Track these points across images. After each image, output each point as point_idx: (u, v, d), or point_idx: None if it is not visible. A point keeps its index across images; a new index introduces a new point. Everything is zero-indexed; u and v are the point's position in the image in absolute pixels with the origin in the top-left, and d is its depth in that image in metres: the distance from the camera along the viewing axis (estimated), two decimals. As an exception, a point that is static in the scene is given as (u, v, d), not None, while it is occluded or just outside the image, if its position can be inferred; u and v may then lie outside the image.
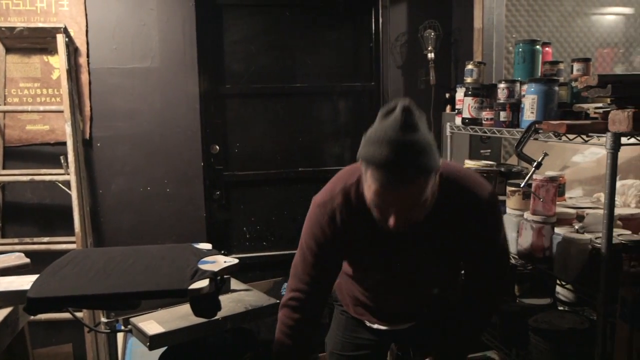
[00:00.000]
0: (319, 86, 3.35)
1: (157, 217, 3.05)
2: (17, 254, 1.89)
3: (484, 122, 2.24)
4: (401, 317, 1.75)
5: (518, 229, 1.97)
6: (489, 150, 2.75)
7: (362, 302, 1.75)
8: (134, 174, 3.01)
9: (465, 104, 2.34)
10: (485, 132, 2.23)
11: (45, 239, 2.80)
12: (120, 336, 2.92)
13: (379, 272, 1.61)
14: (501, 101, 2.13)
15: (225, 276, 2.21)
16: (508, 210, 2.04)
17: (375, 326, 1.77)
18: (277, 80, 3.29)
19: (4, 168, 2.83)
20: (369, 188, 1.28)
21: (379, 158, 1.21)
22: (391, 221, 1.29)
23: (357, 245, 1.53)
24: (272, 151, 3.33)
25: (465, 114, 2.34)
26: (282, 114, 3.33)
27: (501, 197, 2.19)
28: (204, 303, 1.57)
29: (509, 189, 2.03)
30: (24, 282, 1.55)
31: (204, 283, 1.43)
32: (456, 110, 2.48)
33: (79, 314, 2.70)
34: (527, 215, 1.89)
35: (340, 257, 1.62)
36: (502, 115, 2.10)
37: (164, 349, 2.19)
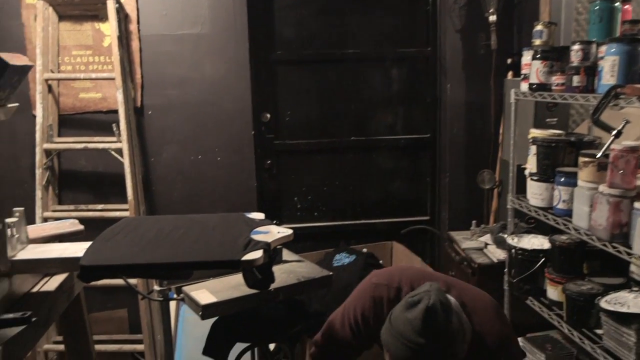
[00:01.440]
0: (372, 52, 3.22)
1: (208, 186, 3.03)
2: (72, 220, 1.88)
3: (553, 87, 2.08)
4: None
5: (591, 202, 1.82)
6: (555, 119, 2.57)
7: None
8: (184, 142, 2.99)
9: (533, 68, 2.17)
10: (555, 99, 2.06)
11: (100, 207, 2.83)
12: (173, 303, 2.95)
13: None
14: (574, 64, 1.96)
15: (277, 247, 2.18)
16: (580, 182, 1.90)
17: None
18: (328, 45, 3.18)
19: (59, 136, 2.86)
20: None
21: (393, 355, 1.26)
22: None
23: None
24: (323, 119, 3.24)
25: (533, 79, 2.18)
26: (333, 81, 3.23)
27: (571, 169, 2.04)
28: (257, 274, 1.51)
29: (582, 159, 1.88)
30: (78, 249, 1.53)
31: (257, 254, 1.37)
32: (522, 76, 2.31)
33: (132, 281, 2.72)
34: (603, 188, 1.74)
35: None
36: (576, 80, 1.93)
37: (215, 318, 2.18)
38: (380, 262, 3.09)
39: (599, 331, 1.93)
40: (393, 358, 1.28)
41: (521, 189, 2.41)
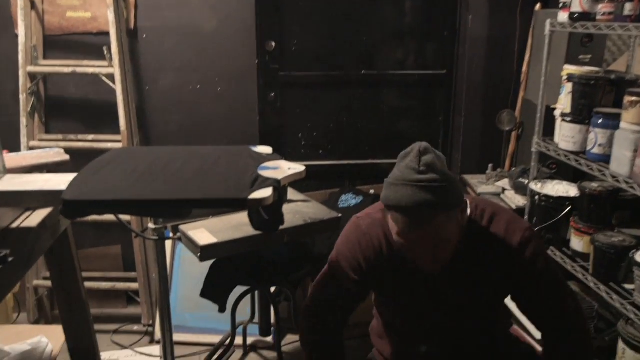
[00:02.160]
0: (388, -23, 2.94)
1: (207, 118, 2.82)
2: (56, 149, 1.69)
3: (599, 17, 1.85)
4: None
5: (636, 147, 1.64)
6: (589, 56, 2.35)
7: (399, 354, 1.59)
8: (182, 70, 2.75)
9: (576, -6, 1.94)
10: (601, 30, 1.83)
11: (90, 137, 2.63)
12: (169, 241, 2.81)
13: (413, 312, 1.50)
14: (626, -10, 1.73)
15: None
16: (623, 124, 1.71)
17: None
18: (340, -31, 2.89)
19: (44, 58, 2.62)
20: (392, 229, 1.29)
21: (396, 201, 1.22)
22: (422, 262, 1.31)
23: (389, 283, 1.46)
24: (332, 51, 2.99)
25: (575, 8, 1.94)
26: (344, 9, 2.96)
27: (611, 110, 1.85)
28: (264, 215, 1.35)
29: (627, 99, 1.68)
30: (62, 182, 1.35)
31: (266, 192, 1.19)
32: (561, 4, 2.07)
33: (125, 218, 2.57)
34: (653, 130, 1.56)
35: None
36: (628, 8, 1.71)
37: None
38: (388, 204, 2.94)
39: (628, 286, 1.80)
40: (395, 210, 1.24)
41: (547, 132, 2.22)
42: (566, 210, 2.05)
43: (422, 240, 1.25)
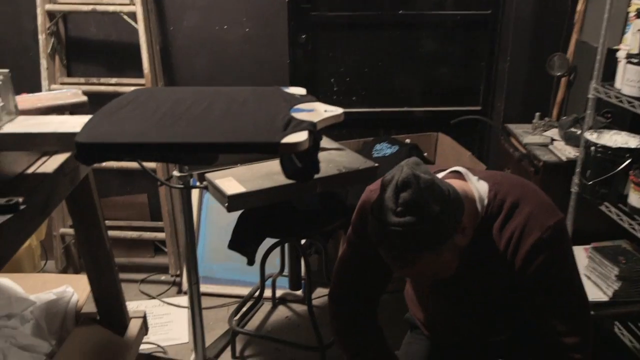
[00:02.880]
0: None
1: (235, 60, 2.67)
2: (74, 90, 1.57)
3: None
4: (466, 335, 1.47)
5: None
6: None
7: (428, 319, 1.51)
8: (208, 9, 2.59)
9: None
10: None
11: (113, 80, 2.51)
12: (195, 190, 2.72)
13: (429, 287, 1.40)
14: None
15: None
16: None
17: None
18: None
19: (63, -4, 2.48)
20: None
21: (378, 242, 1.11)
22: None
23: None
24: (367, -12, 2.79)
25: None
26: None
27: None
28: (297, 162, 1.21)
29: None
30: (78, 124, 1.23)
31: (301, 136, 1.05)
32: None
33: (150, 165, 2.48)
34: None
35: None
36: None
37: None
38: (425, 154, 2.78)
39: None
40: (381, 250, 1.12)
41: (607, 77, 2.01)
42: (625, 163, 1.86)
43: (415, 275, 1.22)
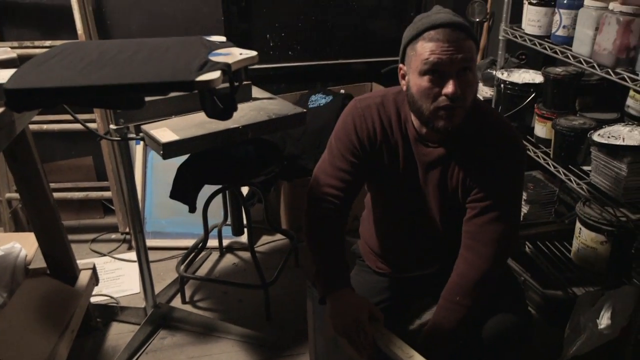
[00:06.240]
0: None
1: (169, 19, 2.71)
2: (3, 48, 1.63)
3: None
4: (424, 263, 1.61)
5: (597, 24, 1.61)
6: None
7: (384, 248, 1.63)
8: (139, -32, 2.62)
9: None
10: None
11: (47, 43, 2.52)
12: (140, 149, 2.79)
13: (400, 207, 1.52)
14: None
15: (245, 82, 1.97)
16: (586, 1, 1.67)
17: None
18: None
19: (-11, -42, 2.47)
20: (421, 59, 1.26)
21: (430, 22, 1.25)
22: (449, 87, 1.24)
23: (383, 167, 1.45)
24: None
25: None
26: None
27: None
28: (219, 103, 1.32)
29: (591, -26, 1.63)
30: (6, 76, 1.30)
31: (214, 75, 1.17)
32: None
33: (91, 125, 2.53)
34: (614, 5, 1.53)
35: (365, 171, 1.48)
36: None
37: (185, 157, 2.04)
38: (359, 104, 2.91)
39: (586, 168, 1.83)
40: (432, 28, 1.25)
41: (516, 19, 2.17)
42: (530, 97, 2.05)
43: (450, 63, 1.23)
